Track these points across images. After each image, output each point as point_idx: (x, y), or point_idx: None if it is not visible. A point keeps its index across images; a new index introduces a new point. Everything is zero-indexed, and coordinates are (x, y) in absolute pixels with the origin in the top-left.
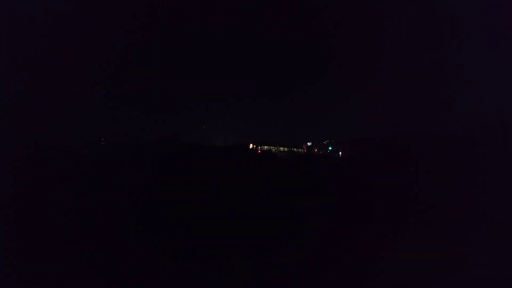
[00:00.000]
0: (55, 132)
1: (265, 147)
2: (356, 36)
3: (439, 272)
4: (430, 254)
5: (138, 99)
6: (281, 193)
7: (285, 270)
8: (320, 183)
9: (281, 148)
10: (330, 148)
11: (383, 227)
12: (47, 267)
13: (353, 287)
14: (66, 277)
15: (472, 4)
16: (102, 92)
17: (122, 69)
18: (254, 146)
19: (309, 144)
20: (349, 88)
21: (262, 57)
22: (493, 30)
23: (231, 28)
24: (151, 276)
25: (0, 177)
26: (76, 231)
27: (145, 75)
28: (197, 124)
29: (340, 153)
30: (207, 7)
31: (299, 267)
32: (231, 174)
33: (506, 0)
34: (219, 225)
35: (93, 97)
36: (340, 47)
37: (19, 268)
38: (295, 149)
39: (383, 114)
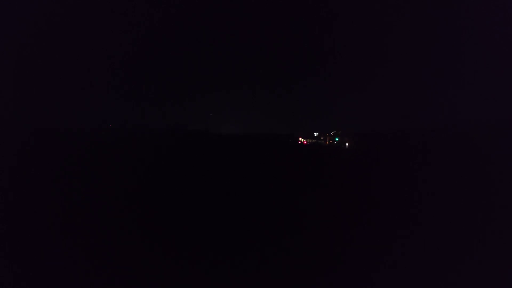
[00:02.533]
0: (66, 117)
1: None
2: (364, 31)
3: (442, 273)
4: (435, 254)
5: (147, 89)
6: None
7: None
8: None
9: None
10: (336, 139)
11: (386, 224)
12: (46, 266)
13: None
14: (66, 277)
15: (473, 2)
16: (115, 83)
17: (133, 62)
18: (304, 140)
19: (315, 134)
20: (356, 81)
21: (270, 49)
22: (495, 27)
23: (241, 17)
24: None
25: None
26: (76, 227)
27: (155, 66)
28: (203, 112)
29: (347, 144)
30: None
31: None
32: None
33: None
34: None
35: (107, 89)
36: (347, 41)
37: (18, 266)
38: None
39: (390, 108)
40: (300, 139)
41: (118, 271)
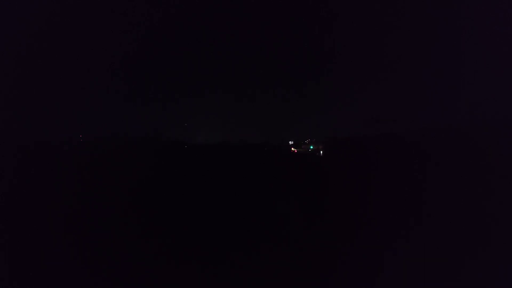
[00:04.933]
0: (31, 128)
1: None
2: (343, 35)
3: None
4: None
5: (122, 93)
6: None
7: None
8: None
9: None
10: (311, 147)
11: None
12: (46, 267)
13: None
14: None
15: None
16: (84, 87)
17: (105, 64)
18: (294, 149)
19: (290, 143)
20: (331, 86)
21: (243, 53)
22: (495, 27)
23: (218, 23)
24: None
25: None
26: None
27: (130, 69)
28: (178, 120)
29: (322, 152)
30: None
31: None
32: None
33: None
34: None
35: (75, 92)
36: (331, 46)
37: (17, 269)
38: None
39: (366, 112)
40: (292, 148)
41: (115, 273)
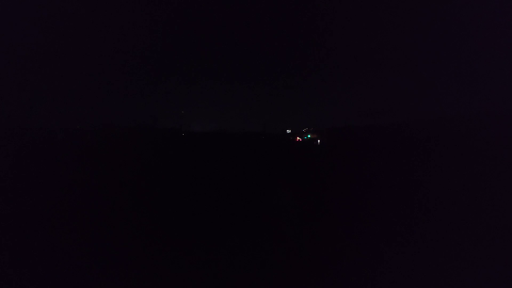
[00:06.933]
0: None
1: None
2: (340, 26)
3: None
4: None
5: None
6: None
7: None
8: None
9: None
10: (308, 136)
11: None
12: (46, 267)
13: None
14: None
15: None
16: (75, 75)
17: (95, 52)
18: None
19: (288, 131)
20: (329, 77)
21: (239, 42)
22: (495, 26)
23: (212, 11)
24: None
25: None
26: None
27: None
28: (175, 108)
29: (319, 141)
30: None
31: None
32: None
33: None
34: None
35: (72, 83)
36: (327, 37)
37: (17, 267)
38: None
39: (365, 102)
40: (297, 138)
41: (115, 272)
